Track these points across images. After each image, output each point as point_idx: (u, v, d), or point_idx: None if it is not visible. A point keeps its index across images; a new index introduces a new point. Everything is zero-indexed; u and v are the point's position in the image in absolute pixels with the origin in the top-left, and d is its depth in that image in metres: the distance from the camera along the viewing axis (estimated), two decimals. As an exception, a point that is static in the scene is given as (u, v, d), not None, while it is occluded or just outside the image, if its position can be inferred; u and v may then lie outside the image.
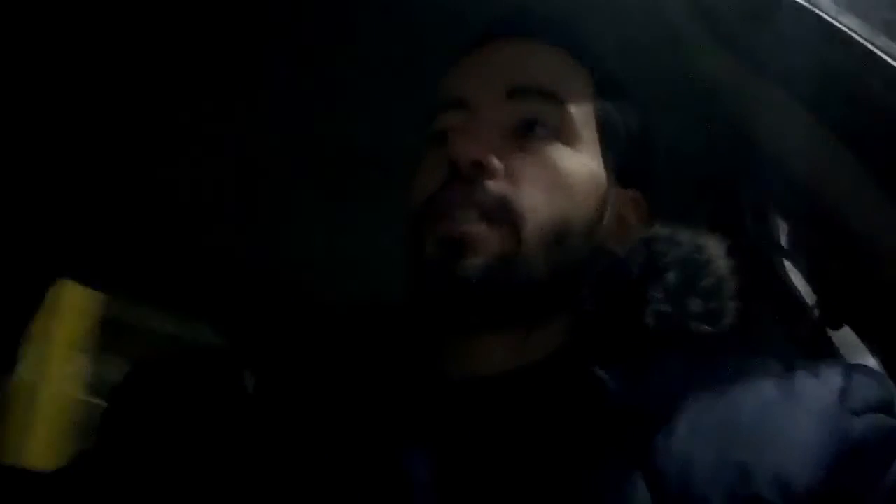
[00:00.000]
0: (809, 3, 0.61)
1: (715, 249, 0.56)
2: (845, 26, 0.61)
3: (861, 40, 0.60)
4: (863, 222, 0.73)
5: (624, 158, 0.60)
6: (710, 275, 0.55)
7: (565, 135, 0.57)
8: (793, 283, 0.82)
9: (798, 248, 0.86)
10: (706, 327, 0.53)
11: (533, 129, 0.56)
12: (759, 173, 0.80)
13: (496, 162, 0.54)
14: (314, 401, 0.59)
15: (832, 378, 0.50)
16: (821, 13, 0.61)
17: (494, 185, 0.54)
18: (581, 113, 0.58)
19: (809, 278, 0.84)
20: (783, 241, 0.86)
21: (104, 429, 0.82)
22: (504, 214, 0.54)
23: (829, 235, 0.79)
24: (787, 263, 0.83)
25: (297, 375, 0.63)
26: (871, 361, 0.73)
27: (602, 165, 0.58)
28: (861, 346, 0.79)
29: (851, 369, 0.52)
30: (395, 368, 0.58)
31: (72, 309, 2.09)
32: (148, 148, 0.97)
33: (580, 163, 0.57)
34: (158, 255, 1.10)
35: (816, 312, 0.79)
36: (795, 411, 0.48)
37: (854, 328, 0.80)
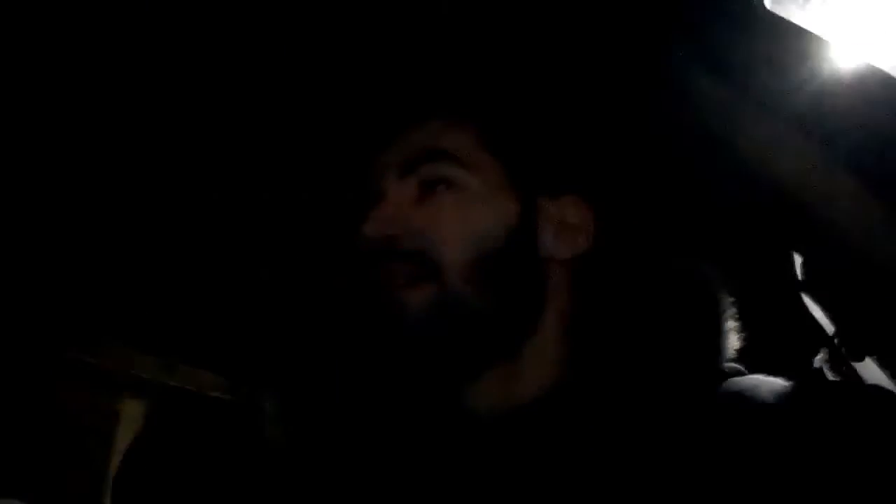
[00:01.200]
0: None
1: (712, 278, 0.57)
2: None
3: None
4: (881, 251, 0.73)
5: (544, 172, 0.63)
6: (708, 307, 0.55)
7: (458, 178, 0.61)
8: (812, 316, 0.81)
9: (814, 279, 0.85)
10: (710, 363, 0.53)
11: (430, 187, 0.61)
12: (770, 207, 0.80)
13: (404, 226, 0.59)
14: (334, 449, 0.60)
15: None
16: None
17: (408, 246, 0.58)
18: (472, 157, 0.62)
19: (827, 310, 0.83)
20: (798, 272, 0.86)
21: (118, 481, 0.81)
22: (423, 264, 0.57)
23: (846, 267, 0.78)
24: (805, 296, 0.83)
25: (317, 425, 0.64)
26: None
27: (510, 189, 0.62)
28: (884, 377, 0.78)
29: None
30: (409, 411, 0.59)
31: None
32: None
33: (481, 195, 0.61)
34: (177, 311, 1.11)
35: (838, 344, 0.78)
36: None
37: (876, 359, 0.78)
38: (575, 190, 0.64)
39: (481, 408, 0.57)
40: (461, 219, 0.59)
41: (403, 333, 0.56)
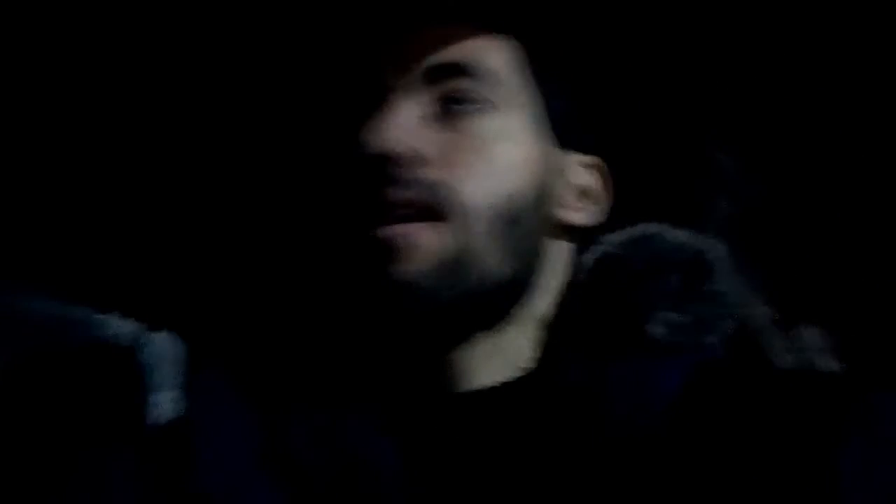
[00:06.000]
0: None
1: (716, 252, 0.53)
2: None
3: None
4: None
5: (572, 125, 0.56)
6: (713, 280, 0.51)
7: (492, 107, 0.52)
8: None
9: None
10: (711, 337, 0.49)
11: (456, 107, 0.51)
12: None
13: (425, 148, 0.49)
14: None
15: None
16: None
17: (427, 174, 0.49)
18: (509, 83, 0.53)
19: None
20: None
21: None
22: (443, 207, 0.48)
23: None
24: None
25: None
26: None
27: (539, 134, 0.54)
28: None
29: None
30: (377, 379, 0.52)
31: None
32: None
33: (513, 134, 0.52)
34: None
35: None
36: None
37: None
38: (604, 151, 0.57)
39: (455, 382, 0.51)
40: (490, 154, 0.50)
41: (403, 279, 0.47)
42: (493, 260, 0.49)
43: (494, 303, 0.50)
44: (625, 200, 0.60)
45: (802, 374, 0.59)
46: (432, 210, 0.48)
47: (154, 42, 0.77)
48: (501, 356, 0.51)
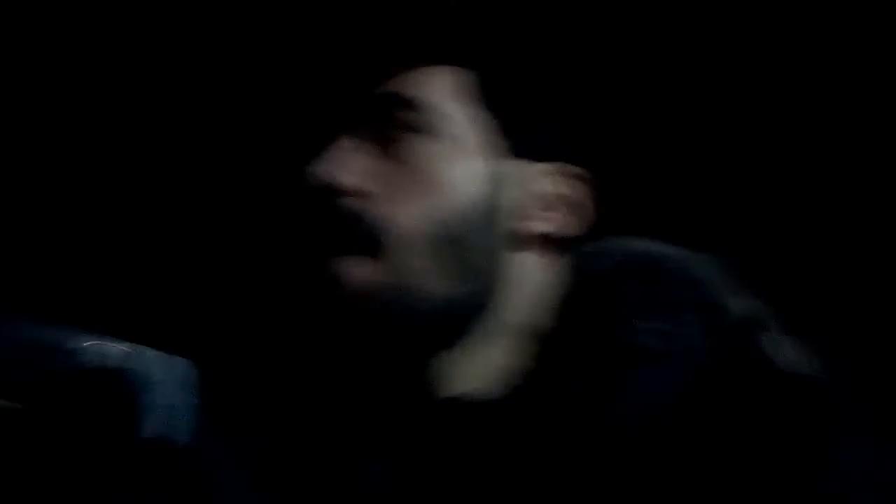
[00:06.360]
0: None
1: (703, 263, 0.54)
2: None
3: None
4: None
5: (532, 137, 0.57)
6: (699, 290, 0.52)
7: (433, 133, 0.54)
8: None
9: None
10: (699, 344, 0.50)
11: (400, 138, 0.54)
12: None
13: (353, 180, 0.52)
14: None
15: None
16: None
17: (366, 207, 0.52)
18: (451, 108, 0.55)
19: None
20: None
21: None
22: (377, 239, 0.51)
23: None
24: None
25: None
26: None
27: (486, 150, 0.55)
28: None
29: None
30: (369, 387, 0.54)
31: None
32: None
33: (452, 156, 0.54)
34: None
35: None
36: None
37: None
38: (575, 159, 0.58)
39: (437, 393, 0.52)
40: (426, 180, 0.52)
41: (341, 312, 0.50)
42: (434, 282, 0.51)
43: (449, 320, 0.52)
44: (611, 214, 0.60)
45: (795, 376, 0.59)
46: (368, 243, 0.50)
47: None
48: (480, 367, 0.52)
